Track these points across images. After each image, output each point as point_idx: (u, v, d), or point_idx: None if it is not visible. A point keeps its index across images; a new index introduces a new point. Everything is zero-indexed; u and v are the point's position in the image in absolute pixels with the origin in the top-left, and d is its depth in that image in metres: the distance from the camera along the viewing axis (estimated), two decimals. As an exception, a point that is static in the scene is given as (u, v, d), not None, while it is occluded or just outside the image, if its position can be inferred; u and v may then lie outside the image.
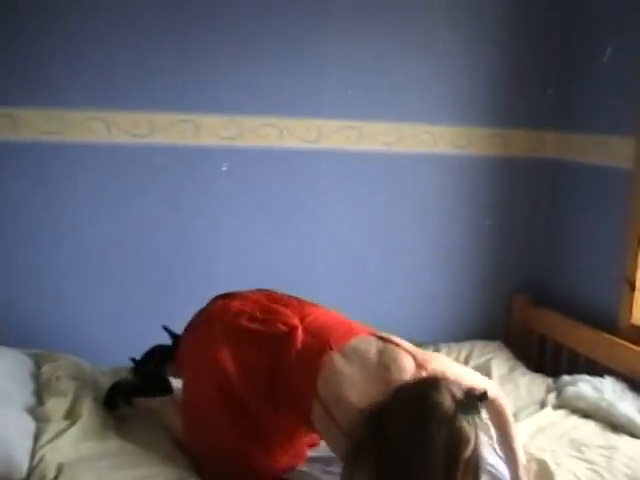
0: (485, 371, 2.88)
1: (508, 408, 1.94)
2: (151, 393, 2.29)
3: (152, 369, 2.35)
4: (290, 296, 2.15)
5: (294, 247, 2.98)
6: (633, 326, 2.78)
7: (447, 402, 1.50)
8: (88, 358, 2.59)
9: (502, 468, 2.02)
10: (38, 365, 2.42)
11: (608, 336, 2.77)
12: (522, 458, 1.97)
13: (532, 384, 2.80)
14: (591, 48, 3.01)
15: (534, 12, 3.13)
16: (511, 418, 1.95)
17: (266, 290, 2.19)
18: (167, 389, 2.32)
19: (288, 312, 1.98)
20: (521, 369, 2.93)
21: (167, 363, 2.31)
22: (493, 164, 3.16)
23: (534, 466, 2.14)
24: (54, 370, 2.34)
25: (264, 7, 2.77)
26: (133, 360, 2.42)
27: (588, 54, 3.02)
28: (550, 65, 3.18)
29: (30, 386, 2.26)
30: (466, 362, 2.97)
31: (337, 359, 1.77)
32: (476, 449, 1.49)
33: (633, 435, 2.39)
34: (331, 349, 1.80)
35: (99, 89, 2.66)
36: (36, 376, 2.34)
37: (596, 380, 2.64)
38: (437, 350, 3.04)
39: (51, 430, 2.03)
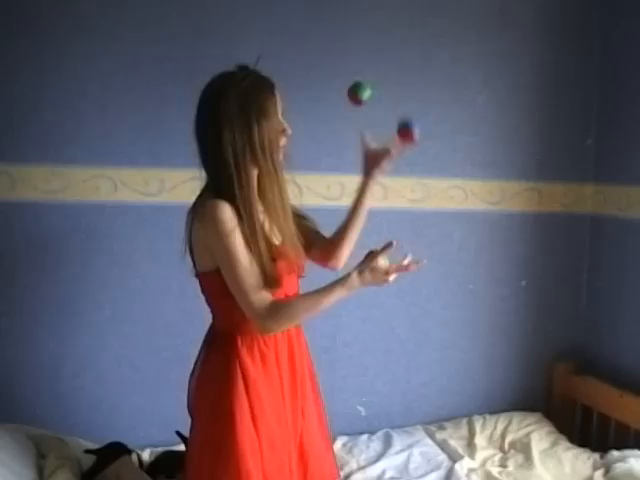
0: (524, 446, 2.86)
1: None
2: None
3: None
4: None
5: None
6: (688, 397, 2.71)
7: None
8: (92, 435, 2.54)
9: None
10: (41, 452, 2.35)
11: (661, 408, 2.71)
12: None
13: (577, 460, 2.75)
14: (633, 95, 2.98)
15: (572, 57, 3.13)
16: None
17: None
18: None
19: None
20: (564, 443, 2.89)
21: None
22: (528, 221, 3.14)
23: None
24: (58, 463, 2.26)
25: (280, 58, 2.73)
26: (179, 434, 2.41)
27: (630, 101, 2.99)
28: (589, 113, 3.17)
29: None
30: (503, 436, 2.94)
31: None
32: None
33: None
34: None
35: (104, 145, 2.65)
36: (38, 466, 2.26)
37: (648, 456, 2.59)
38: (471, 423, 2.99)
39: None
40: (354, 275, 1.77)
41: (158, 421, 2.73)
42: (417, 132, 1.95)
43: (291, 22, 2.80)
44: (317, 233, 2.03)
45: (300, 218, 1.97)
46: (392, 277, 1.80)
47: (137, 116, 2.67)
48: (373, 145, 2.01)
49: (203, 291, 1.91)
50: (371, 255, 1.80)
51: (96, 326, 2.72)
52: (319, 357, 2.75)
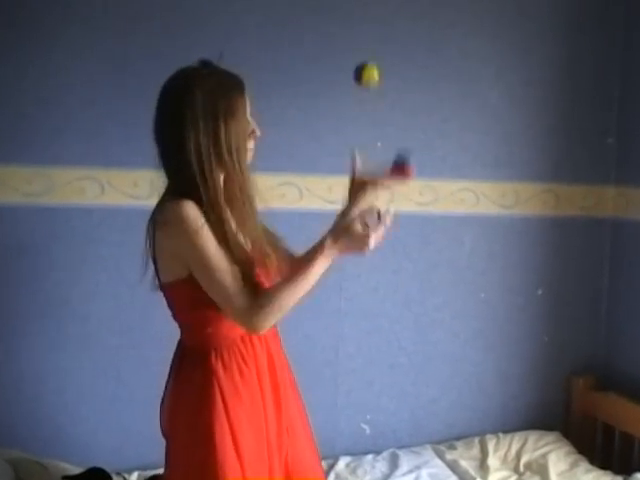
0: (541, 467, 2.82)
1: None
2: None
3: None
4: None
5: (317, 323, 2.88)
6: None
7: None
8: (76, 457, 2.50)
9: None
10: (19, 477, 2.28)
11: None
12: None
13: (598, 483, 2.72)
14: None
15: (592, 49, 3.10)
16: None
17: None
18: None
19: None
20: (584, 465, 2.83)
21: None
22: (544, 225, 3.10)
23: None
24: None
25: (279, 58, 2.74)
26: None
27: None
28: (610, 110, 3.13)
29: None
30: (518, 457, 2.92)
31: None
32: None
33: None
34: None
35: (90, 144, 2.61)
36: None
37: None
38: (484, 443, 2.97)
39: None
40: (329, 242, 1.70)
41: (147, 440, 2.53)
42: (413, 169, 1.85)
43: (290, 13, 2.75)
44: (288, 253, 1.93)
45: (270, 236, 1.88)
46: (372, 239, 1.67)
47: (126, 113, 2.62)
48: (361, 170, 1.90)
49: (170, 305, 1.85)
50: (343, 215, 1.76)
51: (81, 338, 2.66)
52: (320, 371, 2.86)
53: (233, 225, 1.75)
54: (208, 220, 1.66)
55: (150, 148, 2.51)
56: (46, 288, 2.61)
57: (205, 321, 1.75)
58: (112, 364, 2.69)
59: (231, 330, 1.76)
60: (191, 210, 1.65)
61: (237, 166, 1.72)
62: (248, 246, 1.75)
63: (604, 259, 3.16)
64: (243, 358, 1.77)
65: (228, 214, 1.73)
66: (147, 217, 2.55)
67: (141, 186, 2.65)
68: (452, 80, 2.93)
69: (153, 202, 2.54)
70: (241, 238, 1.75)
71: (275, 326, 1.84)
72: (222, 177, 1.74)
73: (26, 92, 2.54)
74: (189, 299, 1.75)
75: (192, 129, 1.67)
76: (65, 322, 2.65)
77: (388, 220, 1.70)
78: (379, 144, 2.81)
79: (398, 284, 2.96)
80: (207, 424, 1.72)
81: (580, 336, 3.17)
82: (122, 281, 2.68)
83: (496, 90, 2.99)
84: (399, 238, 2.89)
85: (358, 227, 1.68)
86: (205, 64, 1.78)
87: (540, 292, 3.11)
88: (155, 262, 1.80)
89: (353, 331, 2.92)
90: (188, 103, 1.68)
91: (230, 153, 1.70)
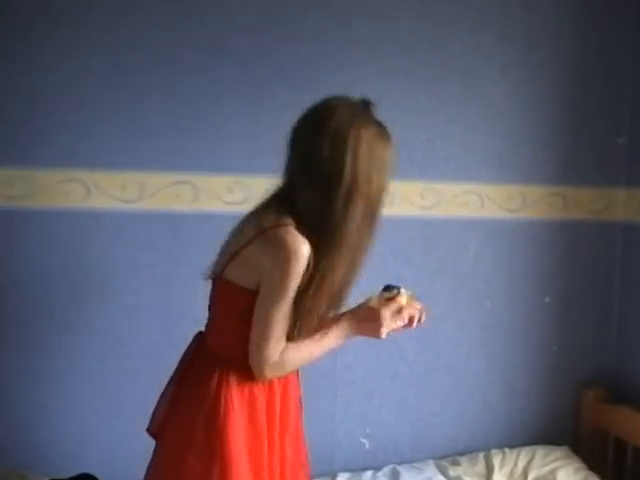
0: None
1: None
2: None
3: None
4: None
5: None
6: None
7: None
8: (61, 471, 2.47)
9: None
10: None
11: None
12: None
13: (609, 501, 2.72)
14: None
15: (602, 46, 3.07)
16: None
17: None
18: None
19: None
20: None
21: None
22: (552, 229, 3.08)
23: None
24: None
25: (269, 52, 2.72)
26: None
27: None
28: (621, 109, 3.11)
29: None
30: (525, 473, 2.90)
31: None
32: None
33: None
34: None
35: (75, 144, 2.58)
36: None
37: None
38: (489, 458, 2.94)
39: None
40: (348, 317, 1.89)
41: (137, 455, 2.55)
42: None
43: (288, 8, 2.72)
44: None
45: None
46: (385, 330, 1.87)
47: (113, 111, 2.60)
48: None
49: (215, 298, 1.91)
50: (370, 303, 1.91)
51: (66, 348, 2.63)
52: (318, 382, 2.78)
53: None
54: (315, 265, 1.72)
55: (138, 148, 2.61)
56: (28, 296, 2.58)
57: (238, 334, 1.79)
58: (99, 375, 2.65)
59: None
60: (306, 253, 1.68)
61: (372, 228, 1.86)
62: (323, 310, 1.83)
63: (615, 264, 3.14)
64: (257, 384, 1.82)
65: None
66: (135, 221, 2.64)
67: (129, 188, 2.64)
68: (456, 78, 2.91)
69: (142, 205, 2.64)
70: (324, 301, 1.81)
71: None
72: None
73: (8, 90, 2.51)
74: (238, 308, 1.79)
75: (352, 157, 1.73)
76: (48, 331, 2.61)
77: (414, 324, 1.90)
78: None
79: None
80: (203, 432, 1.77)
81: (590, 346, 3.15)
82: (109, 289, 2.65)
83: (501, 88, 2.96)
84: (400, 243, 2.89)
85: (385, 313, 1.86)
86: (366, 104, 1.87)
87: (548, 300, 3.08)
88: (233, 256, 1.80)
89: (352, 341, 2.85)
90: (353, 135, 1.74)
91: (373, 208, 1.80)
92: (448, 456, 2.98)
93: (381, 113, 2.75)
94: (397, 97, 2.81)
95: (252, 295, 1.74)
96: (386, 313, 1.84)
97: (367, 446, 2.94)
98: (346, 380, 2.90)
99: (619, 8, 3.06)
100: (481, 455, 2.95)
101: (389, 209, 2.73)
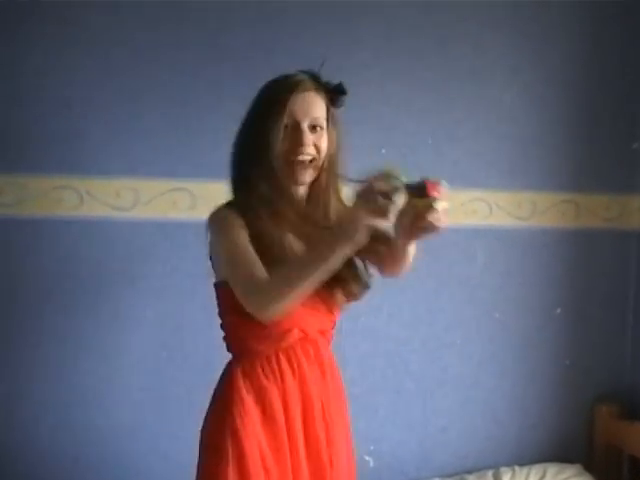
0: None
1: None
2: None
3: None
4: None
5: None
6: None
7: None
8: None
9: None
10: None
11: None
12: None
13: (624, 522, 2.66)
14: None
15: (617, 46, 3.03)
16: None
17: None
18: None
19: None
20: None
21: None
22: (564, 238, 3.04)
23: None
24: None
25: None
26: None
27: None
28: (636, 114, 3.05)
29: None
30: None
31: None
32: None
33: None
34: None
35: (67, 149, 2.57)
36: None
37: None
38: (498, 476, 2.91)
39: None
40: (331, 231, 1.67)
41: (124, 471, 2.66)
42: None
43: (288, 7, 2.70)
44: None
45: None
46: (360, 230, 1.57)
47: (107, 114, 2.59)
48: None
49: (216, 301, 1.96)
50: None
51: (57, 363, 2.61)
52: None
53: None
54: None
55: (133, 153, 2.58)
56: (19, 308, 2.58)
57: (233, 328, 1.88)
58: (92, 391, 2.63)
59: (257, 344, 1.84)
60: (224, 212, 1.81)
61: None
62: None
63: (629, 275, 3.10)
64: (265, 374, 1.84)
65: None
66: (130, 230, 2.61)
67: (124, 196, 2.62)
68: (463, 79, 2.87)
69: (137, 214, 2.61)
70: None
71: (319, 347, 1.95)
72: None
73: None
74: (225, 303, 1.86)
75: None
76: (39, 343, 2.60)
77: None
78: (383, 151, 2.79)
79: (404, 302, 2.89)
80: (216, 432, 1.83)
81: (604, 360, 3.11)
82: (102, 300, 2.64)
83: (512, 90, 2.92)
84: None
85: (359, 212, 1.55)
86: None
87: (559, 311, 3.04)
88: (210, 258, 1.93)
89: (355, 353, 2.85)
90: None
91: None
92: (456, 474, 2.94)
93: (384, 116, 2.79)
94: (401, 99, 2.79)
95: (227, 285, 1.80)
96: (360, 212, 1.54)
97: (371, 464, 2.91)
98: (349, 395, 2.75)
99: (635, 7, 3.00)
100: (490, 473, 2.91)
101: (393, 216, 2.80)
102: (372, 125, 2.78)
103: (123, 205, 2.61)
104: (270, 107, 1.81)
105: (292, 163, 1.80)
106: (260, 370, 1.84)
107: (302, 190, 1.87)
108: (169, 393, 2.69)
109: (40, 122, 2.54)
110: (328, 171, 1.86)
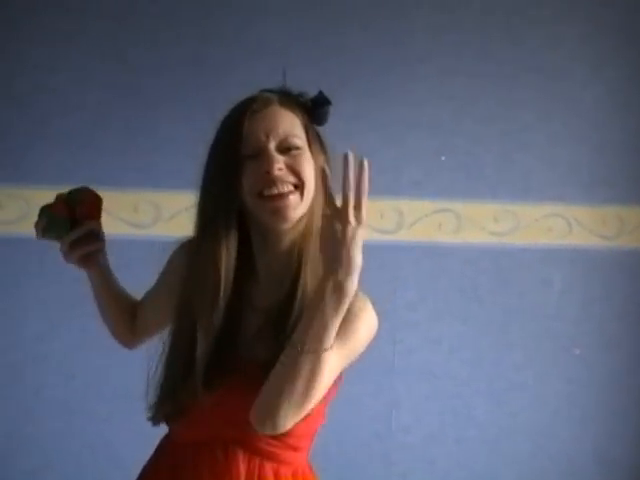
0: None
1: None
2: None
3: None
4: None
5: (364, 386, 2.72)
6: None
7: None
8: None
9: None
10: None
11: None
12: None
13: None
14: None
15: None
16: None
17: None
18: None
19: None
20: None
21: None
22: None
23: None
24: None
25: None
26: None
27: None
28: None
29: None
30: None
31: None
32: None
33: None
34: None
35: (76, 158, 2.53)
36: None
37: None
38: None
39: None
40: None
41: None
42: None
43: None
44: None
45: None
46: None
47: (120, 119, 2.62)
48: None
49: None
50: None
51: (62, 401, 2.56)
52: (369, 446, 2.73)
53: None
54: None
55: (151, 163, 2.51)
56: (24, 339, 2.53)
57: None
58: (91, 426, 2.62)
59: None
60: (175, 251, 1.66)
61: None
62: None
63: None
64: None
65: None
66: (151, 249, 2.49)
67: (143, 211, 2.62)
68: (536, 77, 2.82)
69: (158, 231, 2.53)
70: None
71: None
72: None
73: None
74: None
75: None
76: (38, 372, 2.60)
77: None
78: (443, 158, 2.72)
79: (467, 336, 2.83)
80: None
81: None
82: (92, 317, 2.54)
83: (591, 89, 2.83)
84: (468, 277, 2.81)
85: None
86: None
87: (654, 344, 2.85)
88: None
89: (410, 396, 2.82)
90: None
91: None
92: (526, 538, 2.75)
93: (443, 119, 2.64)
94: (461, 100, 2.73)
95: None
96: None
97: (428, 525, 2.74)
98: (403, 445, 2.79)
99: None
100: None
101: (455, 235, 2.72)
102: (428, 129, 2.71)
103: (142, 221, 2.61)
104: (223, 140, 1.46)
105: (266, 199, 1.39)
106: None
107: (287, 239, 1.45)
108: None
109: (44, 126, 2.57)
110: (310, 214, 1.45)
